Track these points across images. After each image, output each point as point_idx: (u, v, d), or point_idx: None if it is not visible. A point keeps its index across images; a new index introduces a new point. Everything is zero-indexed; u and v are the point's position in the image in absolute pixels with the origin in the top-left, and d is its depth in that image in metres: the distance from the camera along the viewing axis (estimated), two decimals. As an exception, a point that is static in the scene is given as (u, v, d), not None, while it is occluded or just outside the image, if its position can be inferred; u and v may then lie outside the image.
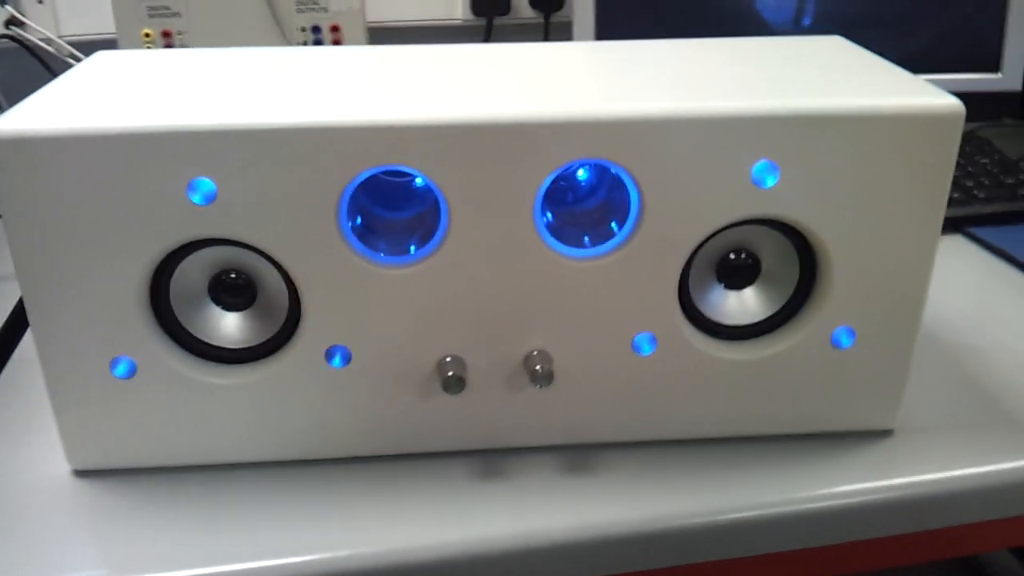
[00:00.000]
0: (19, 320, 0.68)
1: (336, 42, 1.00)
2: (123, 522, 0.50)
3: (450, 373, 0.50)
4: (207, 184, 0.45)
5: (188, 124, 0.44)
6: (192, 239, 0.47)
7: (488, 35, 1.17)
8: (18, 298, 0.70)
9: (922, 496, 0.53)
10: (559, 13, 1.17)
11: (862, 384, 0.54)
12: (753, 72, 0.52)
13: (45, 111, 0.46)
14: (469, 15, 1.17)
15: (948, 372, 0.62)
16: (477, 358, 0.51)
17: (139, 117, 0.45)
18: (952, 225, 0.82)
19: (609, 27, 0.93)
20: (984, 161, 0.90)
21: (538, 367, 0.50)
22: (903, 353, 0.53)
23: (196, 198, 0.45)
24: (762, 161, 0.47)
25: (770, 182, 0.47)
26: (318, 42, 1.00)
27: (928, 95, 0.48)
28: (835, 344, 0.52)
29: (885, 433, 0.56)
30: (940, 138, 0.48)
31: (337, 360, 0.50)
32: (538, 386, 0.50)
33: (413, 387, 0.51)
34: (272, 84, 0.50)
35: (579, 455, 0.54)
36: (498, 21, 1.17)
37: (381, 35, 1.09)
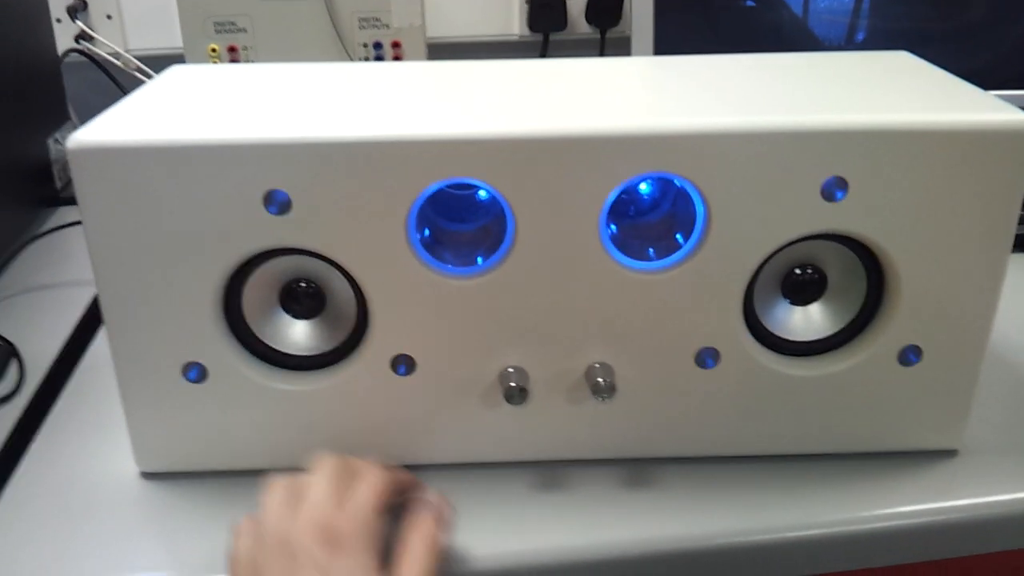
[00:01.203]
0: (89, 324, 0.70)
1: (397, 58, 1.01)
2: (188, 524, 0.51)
3: (512, 384, 0.50)
4: (282, 195, 0.46)
5: (265, 137, 0.45)
6: (266, 248, 0.48)
7: (544, 50, 1.18)
8: (87, 303, 0.72)
9: (986, 518, 0.52)
10: (615, 29, 1.18)
11: (927, 403, 0.53)
12: (820, 87, 0.52)
13: (125, 123, 0.47)
14: (526, 31, 1.18)
15: (1014, 393, 0.61)
16: (540, 369, 0.51)
17: (217, 129, 0.46)
18: (1022, 244, 0.81)
19: (667, 42, 0.93)
20: (1052, 179, 0.88)
21: (600, 380, 0.50)
22: (969, 372, 0.52)
23: (271, 209, 0.46)
24: (831, 176, 0.47)
25: (839, 197, 0.47)
26: (379, 58, 1.01)
27: (998, 111, 0.47)
28: (901, 362, 0.52)
29: (949, 453, 0.55)
30: (1011, 154, 0.47)
31: (402, 368, 0.51)
32: (600, 399, 0.50)
33: (476, 397, 0.52)
34: (341, 98, 0.51)
35: (639, 469, 0.54)
36: (554, 37, 1.18)
37: (440, 51, 1.10)
